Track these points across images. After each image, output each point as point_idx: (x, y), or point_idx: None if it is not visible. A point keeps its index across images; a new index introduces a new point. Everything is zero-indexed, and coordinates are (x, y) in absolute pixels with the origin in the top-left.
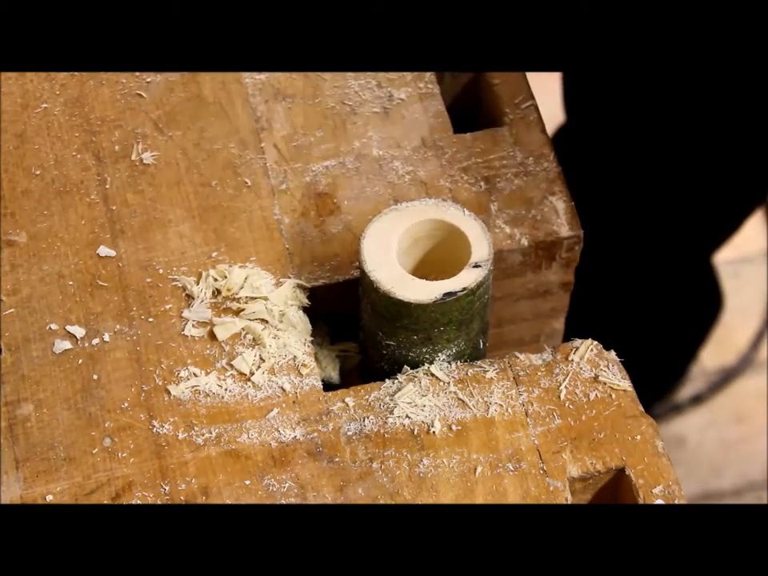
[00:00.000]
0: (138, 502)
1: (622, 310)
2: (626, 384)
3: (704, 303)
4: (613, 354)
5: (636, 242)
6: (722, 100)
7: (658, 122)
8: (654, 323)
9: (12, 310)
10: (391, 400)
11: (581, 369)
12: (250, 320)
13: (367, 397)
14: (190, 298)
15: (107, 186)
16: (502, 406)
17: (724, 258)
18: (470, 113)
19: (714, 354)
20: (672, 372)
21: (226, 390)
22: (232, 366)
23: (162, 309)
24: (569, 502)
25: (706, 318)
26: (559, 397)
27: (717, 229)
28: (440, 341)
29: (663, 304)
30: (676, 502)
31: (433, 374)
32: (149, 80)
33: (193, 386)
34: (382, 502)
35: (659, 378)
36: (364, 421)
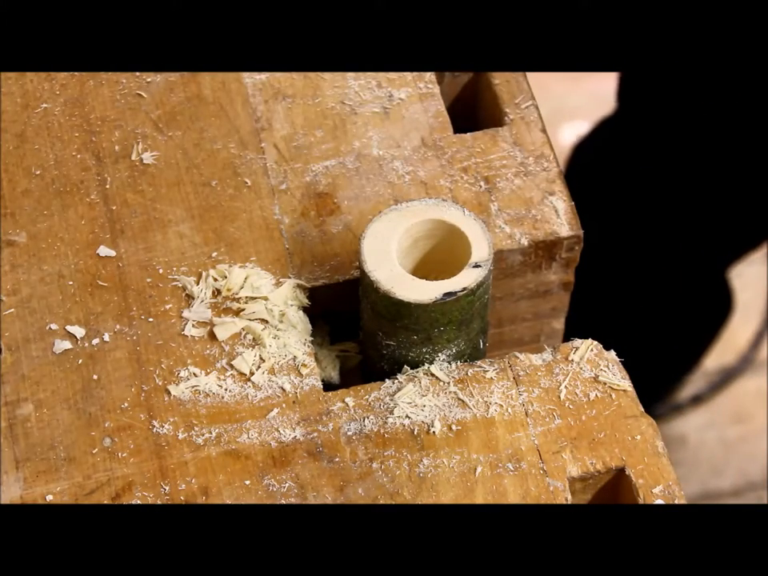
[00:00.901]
0: (138, 501)
1: (622, 310)
2: (626, 384)
3: (712, 307)
4: (613, 353)
5: (641, 245)
6: (753, 116)
7: (694, 135)
8: (654, 323)
9: (12, 310)
10: (391, 400)
11: (581, 369)
12: (250, 320)
13: (367, 397)
14: (189, 297)
15: (107, 186)
16: (502, 406)
17: None
18: (469, 113)
19: (714, 354)
20: (673, 373)
21: (226, 389)
22: (232, 366)
23: (161, 309)
24: (569, 502)
25: (714, 320)
26: (559, 397)
27: (734, 245)
28: (440, 341)
29: (665, 305)
30: (676, 502)
31: (433, 374)
32: (149, 80)
33: (193, 386)
34: (382, 501)
35: (660, 378)
36: (364, 421)
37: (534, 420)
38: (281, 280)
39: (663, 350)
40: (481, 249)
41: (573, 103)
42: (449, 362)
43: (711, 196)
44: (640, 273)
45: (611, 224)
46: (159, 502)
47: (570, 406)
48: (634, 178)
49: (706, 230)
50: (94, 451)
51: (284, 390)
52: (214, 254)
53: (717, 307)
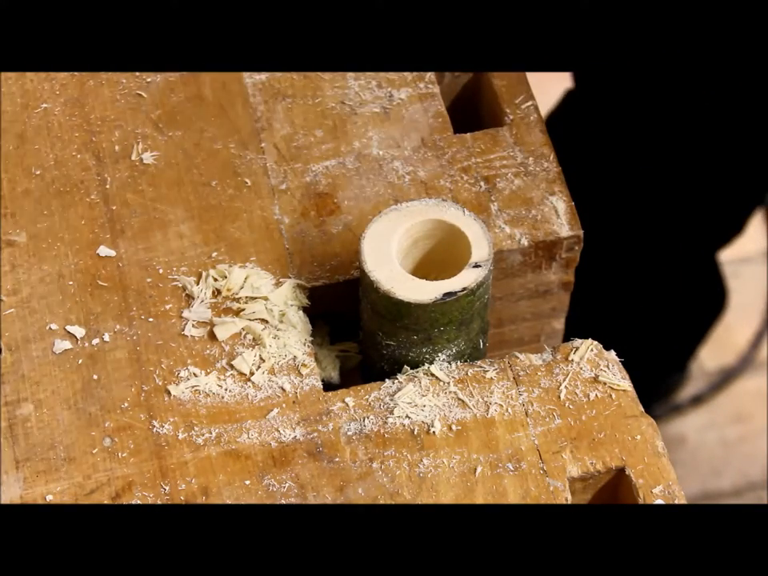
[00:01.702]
0: (138, 501)
1: (622, 309)
2: (626, 384)
3: (707, 300)
4: (613, 353)
5: (637, 240)
6: (726, 99)
7: (663, 116)
8: (654, 322)
9: (12, 310)
10: (391, 400)
11: (581, 369)
12: (250, 320)
13: (367, 397)
14: (189, 297)
15: (107, 186)
16: (502, 406)
17: (724, 257)
18: (470, 113)
19: (714, 354)
20: (673, 371)
21: (226, 390)
22: (232, 366)
23: (161, 309)
24: (569, 502)
25: (710, 314)
26: (559, 397)
27: (718, 228)
28: (440, 341)
29: (664, 302)
30: (676, 502)
31: (433, 374)
32: (149, 80)
33: (193, 386)
34: (382, 501)
35: (659, 377)
36: (364, 421)
37: (534, 420)
38: (281, 280)
39: (663, 348)
40: (481, 249)
41: None
42: (449, 362)
43: (687, 177)
44: (638, 272)
45: (602, 217)
46: (159, 502)
47: (570, 406)
48: (604, 163)
49: (687, 215)
50: (93, 451)
51: (284, 389)
52: (214, 254)
53: (713, 298)
